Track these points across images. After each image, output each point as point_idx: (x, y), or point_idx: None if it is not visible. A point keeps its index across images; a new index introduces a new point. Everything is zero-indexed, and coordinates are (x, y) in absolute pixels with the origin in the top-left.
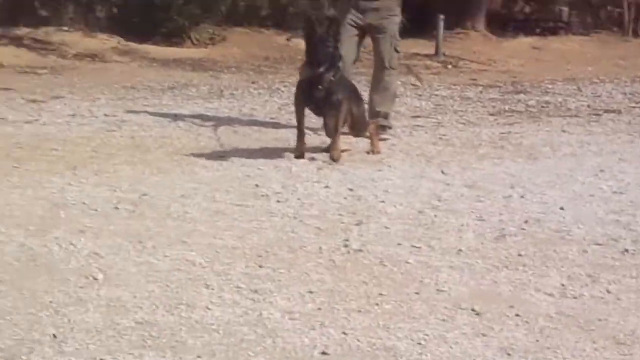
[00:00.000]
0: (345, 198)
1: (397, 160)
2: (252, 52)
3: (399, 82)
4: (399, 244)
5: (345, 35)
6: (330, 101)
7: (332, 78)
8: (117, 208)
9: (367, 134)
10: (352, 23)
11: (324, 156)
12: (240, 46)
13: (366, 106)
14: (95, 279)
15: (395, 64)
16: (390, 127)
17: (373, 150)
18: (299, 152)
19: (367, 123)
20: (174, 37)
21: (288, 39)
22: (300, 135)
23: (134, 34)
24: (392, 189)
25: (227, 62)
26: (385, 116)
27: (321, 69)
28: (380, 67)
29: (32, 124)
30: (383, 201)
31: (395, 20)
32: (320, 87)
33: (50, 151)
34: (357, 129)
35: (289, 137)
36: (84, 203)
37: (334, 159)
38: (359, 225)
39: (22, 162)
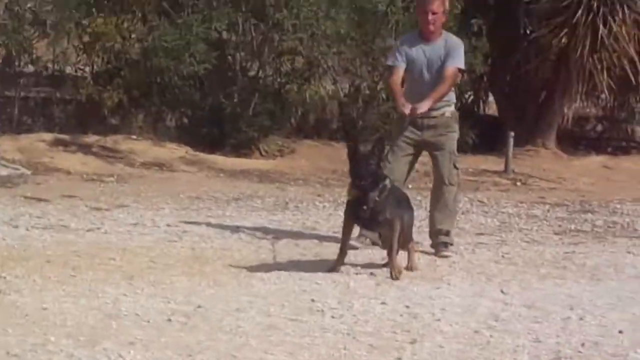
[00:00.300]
0: (401, 315)
1: (457, 278)
2: (320, 165)
3: (461, 199)
4: None
5: (399, 153)
6: (378, 220)
7: (377, 198)
8: (169, 320)
9: (408, 248)
10: (408, 141)
11: (384, 272)
12: (308, 158)
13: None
14: None
15: (455, 180)
16: (452, 244)
17: (410, 267)
18: (334, 268)
19: (411, 238)
20: (242, 148)
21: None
22: (341, 254)
23: (202, 144)
24: (449, 307)
25: (295, 174)
26: (447, 233)
27: (364, 189)
28: (439, 184)
29: (93, 232)
30: (439, 319)
31: (453, 137)
32: (365, 207)
33: (108, 260)
34: (403, 240)
35: (350, 252)
36: (136, 314)
37: (394, 278)
38: (413, 344)
39: (79, 270)
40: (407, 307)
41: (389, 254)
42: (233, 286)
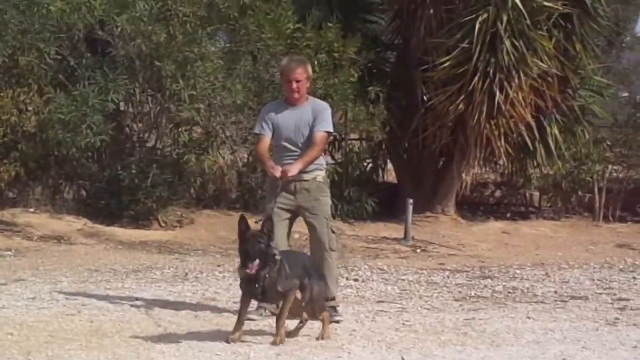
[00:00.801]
0: None
1: (358, 346)
2: (220, 235)
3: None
4: None
5: (276, 219)
6: (272, 295)
7: (267, 276)
8: None
9: (321, 318)
10: (283, 206)
11: (285, 341)
12: (208, 228)
13: None
14: None
15: (334, 245)
16: (337, 306)
17: (322, 336)
18: (232, 339)
19: (324, 307)
20: (141, 219)
21: (256, 222)
22: (238, 324)
23: (101, 216)
24: None
25: (194, 245)
26: (334, 298)
27: (253, 269)
28: (320, 251)
29: None
30: None
31: (326, 202)
32: (257, 285)
33: (5, 335)
34: (312, 310)
35: (251, 323)
36: None
37: (273, 343)
38: None
39: None
40: None
41: (277, 320)
42: (132, 358)
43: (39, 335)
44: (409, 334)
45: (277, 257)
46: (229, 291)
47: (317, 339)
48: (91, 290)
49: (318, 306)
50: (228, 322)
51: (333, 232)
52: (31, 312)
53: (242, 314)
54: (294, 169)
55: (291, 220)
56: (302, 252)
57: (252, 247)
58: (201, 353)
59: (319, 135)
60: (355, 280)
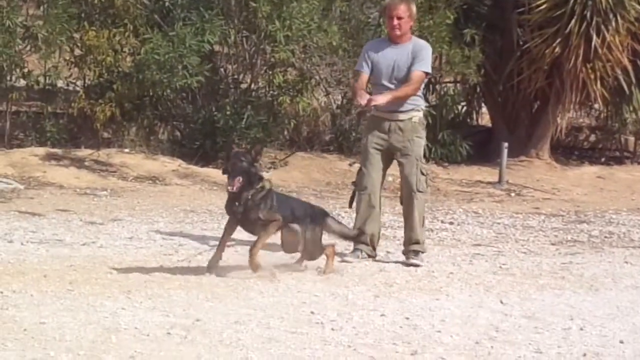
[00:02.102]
0: (401, 327)
1: (456, 289)
2: (314, 177)
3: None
4: None
5: (373, 160)
6: (250, 219)
7: (250, 197)
8: (169, 333)
9: (325, 254)
10: (377, 146)
11: (382, 284)
12: (301, 170)
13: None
14: None
15: (424, 187)
16: (423, 252)
17: (325, 271)
18: (211, 265)
19: (322, 248)
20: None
21: (351, 165)
22: (219, 248)
23: (195, 157)
24: (449, 319)
25: (288, 187)
26: (418, 242)
27: (235, 186)
28: (408, 192)
29: (89, 246)
30: (439, 331)
31: (419, 143)
32: (237, 203)
33: (105, 274)
34: (308, 253)
35: (347, 265)
36: (136, 328)
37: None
38: (414, 355)
39: (76, 285)
40: (407, 318)
41: (250, 249)
42: (231, 299)
43: (138, 275)
44: (506, 278)
45: (266, 185)
46: (324, 234)
47: (319, 273)
48: (188, 231)
49: (315, 250)
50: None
51: (423, 173)
52: (129, 251)
53: (222, 240)
54: (380, 99)
55: (385, 163)
56: (297, 199)
57: (234, 164)
58: (299, 294)
59: (416, 74)
60: (451, 223)
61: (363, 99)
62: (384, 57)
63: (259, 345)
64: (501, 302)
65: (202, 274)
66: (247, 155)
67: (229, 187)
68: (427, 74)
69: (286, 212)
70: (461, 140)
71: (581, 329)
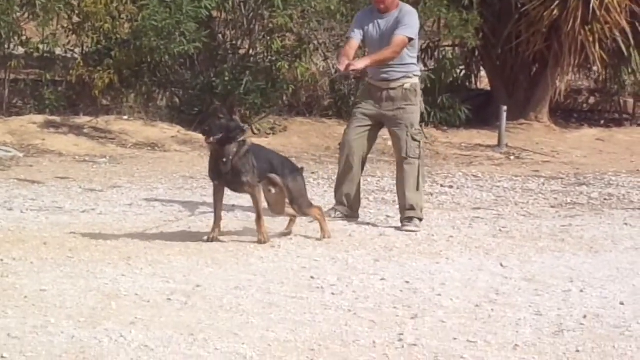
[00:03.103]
0: (401, 291)
1: (456, 252)
2: (313, 142)
3: (426, 173)
4: (455, 339)
5: (354, 123)
6: (236, 180)
7: (235, 150)
8: (169, 299)
9: (312, 215)
10: (365, 112)
11: (382, 248)
12: (300, 136)
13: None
14: None
15: (415, 153)
16: (419, 219)
17: (324, 235)
18: (210, 237)
19: (309, 202)
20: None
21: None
22: (216, 219)
23: (194, 123)
24: (449, 282)
25: (288, 152)
26: (411, 207)
27: (215, 138)
28: (399, 159)
29: (88, 214)
30: (440, 294)
31: (411, 110)
32: (224, 159)
33: (105, 241)
34: (298, 207)
35: (348, 229)
36: (136, 294)
37: (260, 242)
38: (415, 319)
39: (76, 252)
40: (407, 282)
41: (256, 221)
42: (231, 265)
43: (138, 241)
44: (506, 241)
45: (248, 140)
46: (324, 198)
47: (318, 239)
48: (187, 197)
49: (302, 202)
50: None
51: (415, 140)
52: (129, 218)
53: (217, 210)
54: (359, 63)
55: (372, 131)
56: (269, 149)
57: (212, 122)
58: (299, 259)
59: (397, 38)
60: (450, 187)
61: (342, 64)
62: (373, 26)
63: (260, 311)
64: (501, 265)
65: (202, 241)
66: (222, 109)
67: (208, 141)
68: (409, 39)
69: (264, 167)
70: (460, 104)
71: (581, 291)
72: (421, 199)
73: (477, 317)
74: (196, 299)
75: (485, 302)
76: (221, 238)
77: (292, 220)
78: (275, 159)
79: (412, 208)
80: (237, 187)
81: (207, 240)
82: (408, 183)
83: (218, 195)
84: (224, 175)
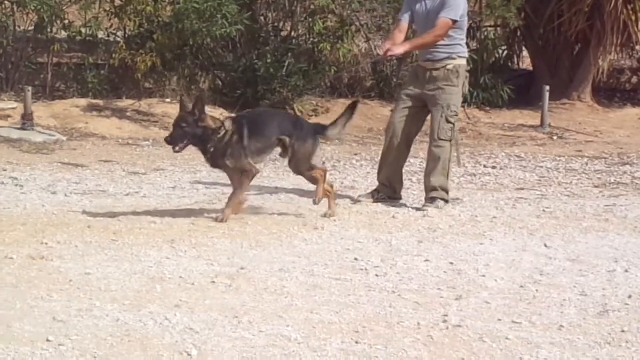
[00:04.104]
0: (445, 272)
1: (499, 233)
2: (356, 124)
3: (453, 157)
4: (499, 320)
5: (400, 105)
6: (219, 166)
7: (213, 149)
8: (214, 282)
9: (313, 177)
10: (409, 93)
11: (426, 229)
12: None
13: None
14: (189, 355)
15: (447, 135)
16: (444, 200)
17: (315, 200)
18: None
19: (310, 166)
20: (277, 108)
21: (392, 110)
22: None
23: (237, 105)
24: (493, 263)
25: None
26: (435, 189)
27: (179, 147)
28: (430, 139)
29: (132, 197)
30: (484, 275)
31: (451, 91)
32: (208, 156)
33: (149, 224)
34: (295, 167)
35: (391, 210)
36: (180, 277)
37: (217, 220)
38: (459, 300)
39: (120, 235)
40: (451, 263)
41: (230, 197)
42: (275, 247)
43: (182, 224)
44: (550, 221)
45: (227, 125)
46: (367, 179)
47: (323, 216)
48: None
49: (301, 163)
50: (368, 210)
51: (449, 121)
52: (173, 201)
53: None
54: (398, 49)
55: (418, 112)
56: (282, 112)
57: (175, 132)
58: (343, 241)
59: (440, 20)
60: (494, 167)
61: (384, 49)
62: (420, 6)
63: (304, 293)
64: (545, 245)
65: (246, 223)
66: (187, 117)
67: (175, 151)
68: (453, 21)
69: (273, 129)
70: (502, 84)
71: (626, 271)
72: (446, 181)
73: (522, 297)
74: (240, 282)
75: (530, 283)
76: (266, 220)
77: (330, 198)
78: (286, 121)
79: (435, 189)
80: (224, 169)
81: (215, 220)
82: (435, 165)
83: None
84: (208, 162)
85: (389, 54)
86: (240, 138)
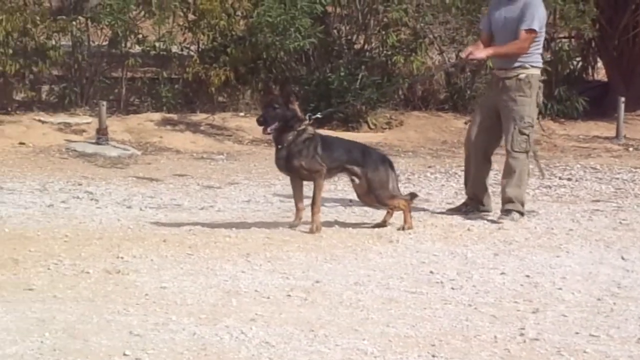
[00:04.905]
0: (521, 285)
1: (576, 245)
2: (429, 136)
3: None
4: (577, 333)
5: (477, 119)
6: (293, 166)
7: (291, 138)
8: (289, 295)
9: (396, 205)
10: (486, 103)
11: (502, 242)
12: (417, 130)
13: None
14: None
15: (521, 147)
16: (520, 212)
17: (404, 227)
18: (290, 225)
19: (390, 194)
20: (350, 121)
21: (466, 123)
22: (297, 211)
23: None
24: (570, 276)
25: (404, 146)
26: (510, 200)
27: (270, 128)
28: (506, 151)
29: (207, 210)
30: (560, 288)
31: (523, 102)
32: (280, 146)
33: (224, 238)
34: (376, 197)
35: (466, 223)
36: (256, 290)
37: (311, 231)
38: (536, 313)
39: (195, 249)
40: (527, 276)
41: (312, 206)
42: (350, 260)
43: (257, 237)
44: (627, 233)
45: (309, 129)
46: (441, 192)
47: (399, 229)
48: (304, 193)
49: (380, 192)
50: (443, 222)
51: (523, 133)
52: (247, 214)
53: (295, 199)
54: (479, 53)
55: (499, 122)
56: (353, 141)
57: (266, 113)
58: (418, 254)
59: (522, 33)
60: (569, 179)
61: (465, 52)
62: (499, 14)
63: (379, 306)
64: (622, 258)
65: (321, 236)
66: (278, 99)
67: (265, 132)
68: (535, 31)
69: (341, 156)
70: (577, 95)
71: None
72: (522, 193)
73: (599, 310)
74: (316, 295)
75: (607, 296)
76: (340, 233)
77: (388, 213)
78: (355, 149)
79: (510, 201)
80: (294, 172)
81: (289, 227)
82: (510, 177)
83: (292, 184)
84: (280, 160)
85: (471, 57)
86: (316, 145)
